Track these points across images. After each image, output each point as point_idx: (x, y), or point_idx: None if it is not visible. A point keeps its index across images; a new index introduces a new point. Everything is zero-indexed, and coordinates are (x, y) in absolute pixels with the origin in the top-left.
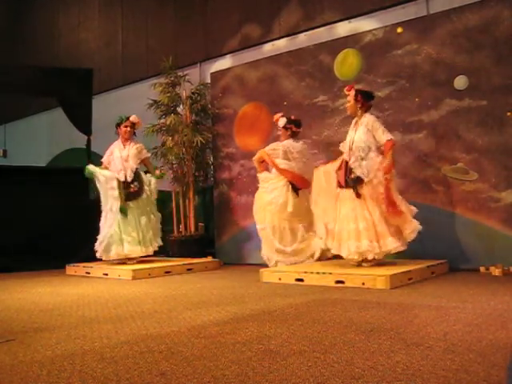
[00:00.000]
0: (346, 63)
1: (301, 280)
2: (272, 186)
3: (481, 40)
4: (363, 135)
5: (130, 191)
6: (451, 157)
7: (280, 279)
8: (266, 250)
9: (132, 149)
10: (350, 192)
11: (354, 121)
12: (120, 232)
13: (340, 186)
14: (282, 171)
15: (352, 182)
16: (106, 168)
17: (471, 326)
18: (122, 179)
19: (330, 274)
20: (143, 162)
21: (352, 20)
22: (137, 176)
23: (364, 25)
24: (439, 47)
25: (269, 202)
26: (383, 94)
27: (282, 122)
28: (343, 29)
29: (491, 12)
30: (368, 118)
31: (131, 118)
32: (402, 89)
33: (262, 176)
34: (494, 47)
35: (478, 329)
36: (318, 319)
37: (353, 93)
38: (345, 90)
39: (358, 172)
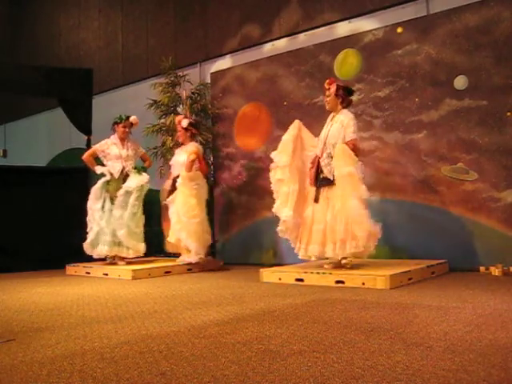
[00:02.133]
0: (346, 63)
1: (301, 280)
2: (202, 182)
3: (481, 40)
4: (336, 131)
5: None
6: (451, 157)
7: (280, 279)
8: (195, 243)
9: (130, 149)
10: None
11: (330, 116)
12: None
13: (311, 184)
14: (207, 169)
15: (320, 181)
16: (95, 155)
17: (471, 325)
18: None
19: (330, 274)
20: (142, 157)
21: (352, 20)
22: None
23: (364, 25)
24: (439, 47)
25: (204, 198)
26: (383, 93)
27: (186, 122)
28: (343, 29)
29: (491, 12)
30: (345, 115)
31: (131, 119)
32: (401, 89)
33: (194, 174)
34: (494, 47)
35: (478, 329)
36: (318, 319)
37: (334, 87)
38: (326, 83)
39: (325, 171)
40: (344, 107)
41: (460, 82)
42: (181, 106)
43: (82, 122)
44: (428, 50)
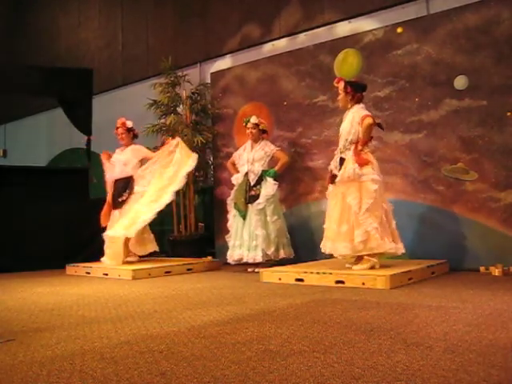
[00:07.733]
0: (346, 63)
1: (301, 280)
2: None
3: (481, 40)
4: (348, 127)
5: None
6: (451, 157)
7: (280, 279)
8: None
9: (259, 150)
10: (337, 189)
11: (345, 114)
12: None
13: (329, 181)
14: None
15: (332, 179)
16: (233, 161)
17: (471, 326)
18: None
19: (330, 274)
20: (274, 156)
21: (352, 20)
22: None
23: (364, 25)
24: (439, 47)
25: None
26: (383, 93)
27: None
28: (343, 29)
29: (491, 12)
30: (356, 109)
31: (252, 120)
32: (401, 89)
33: None
34: (494, 47)
35: (478, 329)
36: (318, 319)
37: (342, 85)
38: (334, 82)
39: (332, 166)
40: (355, 103)
41: (460, 82)
42: (181, 105)
43: (82, 122)
44: (428, 50)
